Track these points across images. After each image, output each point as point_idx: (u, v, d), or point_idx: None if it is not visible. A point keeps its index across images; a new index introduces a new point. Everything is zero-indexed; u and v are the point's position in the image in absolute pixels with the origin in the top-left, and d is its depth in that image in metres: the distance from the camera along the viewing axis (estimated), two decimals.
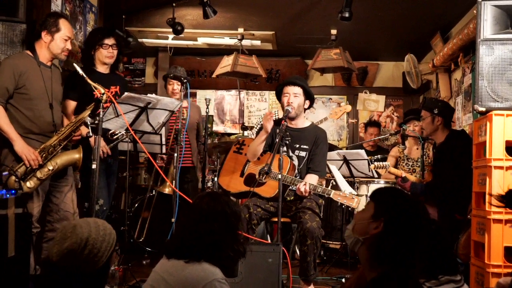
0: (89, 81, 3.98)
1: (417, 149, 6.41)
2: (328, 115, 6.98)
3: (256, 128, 7.79)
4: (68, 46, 4.24)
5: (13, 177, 3.80)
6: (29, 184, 3.93)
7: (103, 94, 3.96)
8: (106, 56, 4.77)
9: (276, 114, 7.09)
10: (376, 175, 6.00)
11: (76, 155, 4.18)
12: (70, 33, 4.24)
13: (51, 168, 4.03)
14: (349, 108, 7.39)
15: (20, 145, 3.93)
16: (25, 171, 3.92)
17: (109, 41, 4.78)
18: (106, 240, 2.44)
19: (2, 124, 3.94)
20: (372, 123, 8.26)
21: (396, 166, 6.39)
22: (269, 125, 4.63)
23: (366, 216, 2.21)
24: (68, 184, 4.34)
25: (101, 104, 3.96)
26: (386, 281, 2.05)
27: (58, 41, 4.19)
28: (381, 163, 5.55)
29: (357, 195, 4.58)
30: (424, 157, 6.01)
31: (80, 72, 3.99)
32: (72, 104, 4.66)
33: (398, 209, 2.14)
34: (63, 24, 4.21)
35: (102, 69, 4.82)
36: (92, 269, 2.39)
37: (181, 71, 5.70)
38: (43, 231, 4.21)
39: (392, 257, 2.08)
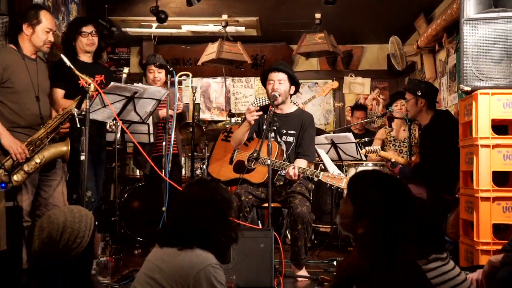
0: (76, 71, 3.96)
1: (404, 130, 6.44)
2: (316, 93, 6.99)
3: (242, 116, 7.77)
4: (50, 38, 4.19)
5: (1, 170, 3.79)
6: (16, 177, 3.91)
7: (89, 84, 3.94)
8: (86, 44, 4.71)
9: (263, 100, 7.11)
10: (364, 158, 6.03)
11: (63, 147, 4.16)
12: (51, 25, 4.19)
13: (38, 161, 4.01)
14: (335, 84, 7.41)
15: (6, 139, 3.91)
16: (12, 164, 3.90)
17: (87, 28, 4.72)
18: (84, 221, 2.46)
19: None
20: (358, 106, 8.30)
21: (383, 147, 6.42)
22: (252, 119, 4.63)
23: (348, 214, 2.22)
24: (57, 178, 4.31)
25: (88, 94, 3.94)
26: (383, 261, 2.07)
27: (39, 34, 4.15)
28: (372, 147, 5.58)
29: (346, 176, 4.62)
30: (411, 138, 6.05)
31: (68, 63, 3.97)
32: (59, 92, 4.60)
33: (376, 205, 2.14)
34: (44, 16, 4.16)
35: (85, 58, 4.78)
36: (76, 253, 2.41)
37: (161, 58, 5.72)
38: (34, 226, 4.19)
39: (383, 247, 2.10)
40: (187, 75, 7.30)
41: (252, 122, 4.65)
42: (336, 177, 4.45)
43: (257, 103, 7.32)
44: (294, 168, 4.51)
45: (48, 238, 2.37)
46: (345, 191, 5.67)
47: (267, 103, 4.86)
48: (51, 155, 4.11)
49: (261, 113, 4.63)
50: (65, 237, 2.38)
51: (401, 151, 6.38)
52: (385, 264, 2.08)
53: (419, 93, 5.02)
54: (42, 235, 2.39)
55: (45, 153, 4.06)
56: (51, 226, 2.39)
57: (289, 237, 5.42)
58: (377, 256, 2.10)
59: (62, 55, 4.08)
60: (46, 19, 4.16)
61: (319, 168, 5.87)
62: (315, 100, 8.14)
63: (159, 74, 5.56)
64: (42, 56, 4.53)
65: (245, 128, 4.74)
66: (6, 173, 3.72)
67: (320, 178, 4.48)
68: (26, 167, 3.96)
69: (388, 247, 2.10)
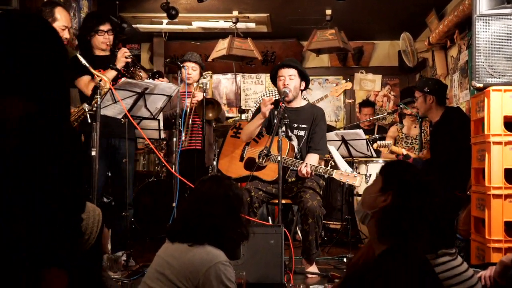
0: (92, 70, 3.96)
1: (415, 127, 6.41)
2: (328, 93, 6.98)
3: (251, 111, 7.74)
4: (66, 35, 4.16)
5: None
6: None
7: (100, 80, 3.94)
8: (102, 42, 4.70)
9: (274, 95, 7.09)
10: (375, 154, 6.01)
11: None
12: (67, 22, 4.16)
13: None
14: (349, 85, 7.37)
15: None
16: None
17: (105, 27, 4.70)
18: (91, 217, 2.45)
19: None
20: (365, 103, 8.20)
21: (394, 145, 6.40)
22: (267, 111, 4.63)
23: (374, 190, 2.23)
24: None
25: (99, 91, 3.94)
26: (394, 254, 2.07)
27: None
28: (383, 142, 5.57)
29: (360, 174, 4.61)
30: (423, 134, 6.02)
31: (83, 61, 3.96)
32: (85, 78, 4.54)
33: (406, 181, 2.16)
34: (60, 12, 4.13)
35: (101, 52, 4.78)
36: (84, 249, 2.40)
37: (198, 57, 5.84)
38: None
39: (400, 230, 2.10)
40: (211, 76, 7.32)
41: (267, 114, 4.64)
42: (349, 175, 4.44)
43: (267, 95, 7.31)
44: (306, 166, 4.50)
45: None
46: (358, 189, 5.67)
47: (277, 98, 4.86)
48: None
49: (273, 102, 4.63)
50: None
51: (413, 148, 6.35)
52: (398, 251, 2.08)
53: (427, 90, 5.00)
54: None
55: None
56: None
57: (299, 233, 5.40)
58: (393, 233, 2.10)
59: (78, 54, 4.05)
60: (62, 16, 4.12)
61: (330, 165, 5.85)
62: None
63: (194, 72, 5.62)
64: None
65: (259, 121, 4.73)
66: None
67: (333, 176, 4.47)
68: None
69: (404, 228, 2.10)
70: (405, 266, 2.04)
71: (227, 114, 9.34)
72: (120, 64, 4.43)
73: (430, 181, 2.21)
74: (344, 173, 4.47)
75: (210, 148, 5.86)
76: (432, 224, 2.21)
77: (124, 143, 4.66)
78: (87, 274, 2.41)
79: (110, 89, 4.06)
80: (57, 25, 4.10)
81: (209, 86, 5.72)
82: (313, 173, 4.56)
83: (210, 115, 5.37)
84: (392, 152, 5.66)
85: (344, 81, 8.11)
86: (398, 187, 2.14)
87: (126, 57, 4.48)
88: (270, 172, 4.70)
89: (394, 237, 2.11)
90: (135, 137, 5.04)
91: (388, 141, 5.69)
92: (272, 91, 7.32)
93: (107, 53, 4.79)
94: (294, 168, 4.65)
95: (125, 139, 4.54)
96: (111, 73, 4.43)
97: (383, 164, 2.42)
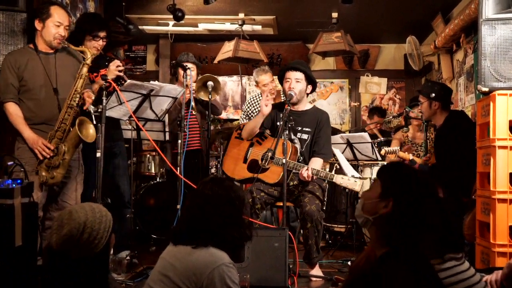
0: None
1: (420, 131, 6.39)
2: (315, 97, 6.96)
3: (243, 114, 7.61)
4: (61, 32, 4.09)
5: (43, 171, 3.84)
6: (55, 173, 3.92)
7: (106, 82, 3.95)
8: (94, 46, 4.61)
9: (257, 98, 7.09)
10: (380, 158, 6.00)
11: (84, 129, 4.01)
12: (61, 18, 4.11)
13: (63, 151, 3.96)
14: (336, 87, 7.35)
15: (27, 137, 3.93)
16: (45, 162, 3.91)
17: (102, 33, 4.67)
18: (104, 222, 2.46)
19: (12, 121, 3.96)
20: (378, 110, 8.15)
21: (400, 149, 6.38)
22: (267, 108, 4.67)
23: (373, 195, 2.21)
24: (71, 175, 4.22)
25: (104, 92, 3.95)
26: (395, 257, 2.06)
27: (50, 28, 4.06)
28: (391, 148, 5.58)
29: (361, 178, 4.59)
30: (428, 140, 6.01)
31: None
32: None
33: (406, 187, 2.14)
34: (54, 10, 4.10)
35: None
36: (93, 253, 2.41)
37: (193, 57, 5.85)
38: (45, 219, 4.15)
39: (402, 235, 2.09)
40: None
41: (265, 112, 4.68)
42: (350, 180, 4.44)
43: (251, 101, 7.30)
44: (307, 169, 4.50)
45: (67, 236, 2.37)
46: (360, 194, 5.66)
47: (282, 100, 4.86)
48: (72, 140, 3.98)
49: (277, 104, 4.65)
50: (84, 236, 2.38)
51: (418, 155, 6.32)
52: (398, 253, 2.07)
53: (433, 96, 4.99)
54: (61, 231, 2.38)
55: (66, 143, 3.97)
56: (72, 223, 2.38)
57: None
58: (394, 239, 2.10)
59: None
60: (56, 13, 4.09)
61: (334, 168, 5.84)
62: (331, 99, 8.12)
63: (192, 72, 5.61)
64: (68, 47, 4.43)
65: (258, 119, 4.81)
66: (22, 169, 3.68)
67: (334, 180, 4.47)
68: (55, 162, 3.94)
69: (406, 234, 2.09)
70: (405, 269, 2.03)
71: (232, 116, 9.36)
72: (110, 75, 4.37)
73: (429, 183, 2.20)
74: (344, 178, 4.47)
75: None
76: (438, 228, 2.21)
77: (117, 144, 4.83)
78: (94, 277, 2.42)
79: (115, 90, 4.06)
80: (51, 21, 4.07)
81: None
82: (314, 177, 4.56)
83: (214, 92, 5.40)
84: (399, 158, 5.65)
85: (347, 86, 8.09)
86: (398, 195, 2.13)
87: (119, 71, 4.43)
88: (272, 175, 4.69)
89: (395, 241, 2.10)
90: (123, 137, 5.19)
91: (395, 147, 5.68)
92: (257, 96, 7.24)
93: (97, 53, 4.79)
94: (297, 171, 4.64)
95: (118, 140, 4.61)
96: (99, 83, 4.39)
97: (381, 167, 2.40)
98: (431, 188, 2.20)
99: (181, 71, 5.30)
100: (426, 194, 2.15)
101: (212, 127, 6.06)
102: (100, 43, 4.68)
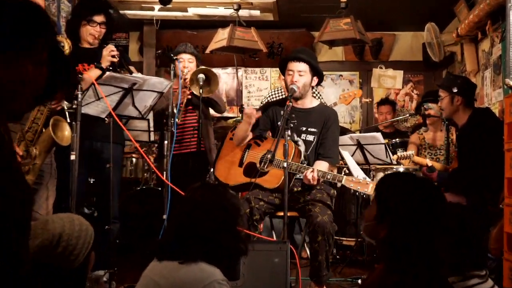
0: None
1: (441, 130, 6.40)
2: (337, 101, 6.97)
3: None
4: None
5: None
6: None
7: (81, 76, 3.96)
8: (90, 34, 4.72)
9: (279, 92, 7.10)
10: (394, 161, 5.99)
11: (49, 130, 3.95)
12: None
13: (35, 152, 3.95)
14: (360, 92, 7.34)
15: None
16: None
17: (98, 18, 4.73)
18: (83, 237, 2.46)
19: None
20: (384, 100, 8.15)
21: (417, 154, 6.38)
22: (250, 111, 4.77)
23: (371, 217, 2.22)
24: (42, 182, 4.23)
25: (80, 86, 3.95)
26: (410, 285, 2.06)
27: None
28: (404, 153, 5.57)
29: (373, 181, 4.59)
30: (449, 140, 6.01)
31: None
32: None
33: (401, 212, 2.13)
34: None
35: (88, 45, 4.80)
36: (69, 268, 2.41)
37: (192, 47, 5.86)
38: None
39: (409, 257, 2.09)
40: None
41: (251, 122, 4.72)
42: (361, 182, 4.42)
43: (272, 96, 7.30)
44: (312, 171, 4.49)
45: (39, 247, 2.37)
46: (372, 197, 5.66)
47: (284, 97, 4.85)
48: (44, 144, 3.96)
49: (259, 114, 4.67)
50: (59, 250, 2.38)
51: (437, 159, 6.31)
52: (409, 277, 2.07)
53: (455, 90, 4.98)
54: (34, 242, 2.39)
55: (37, 146, 3.98)
56: (44, 235, 2.38)
57: (307, 250, 5.39)
58: (398, 263, 2.09)
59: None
60: None
61: (343, 173, 5.84)
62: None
63: (190, 64, 5.62)
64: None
65: (244, 126, 4.82)
66: None
67: (343, 183, 4.45)
68: (25, 167, 3.92)
69: (410, 255, 2.09)
70: None
71: (226, 114, 9.35)
72: (105, 63, 4.42)
73: (434, 195, 2.19)
74: (355, 179, 4.45)
75: (210, 153, 5.79)
76: (455, 244, 2.21)
77: (108, 147, 4.62)
78: None
79: (92, 84, 4.06)
80: None
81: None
82: (320, 180, 4.55)
83: (208, 88, 5.33)
84: (415, 163, 5.64)
85: (357, 80, 8.09)
86: (392, 220, 2.13)
87: (112, 56, 4.47)
88: (272, 179, 4.68)
89: (405, 264, 2.09)
90: (122, 140, 5.02)
91: (410, 151, 5.68)
92: (277, 90, 7.30)
93: (95, 45, 4.81)
94: (300, 177, 4.63)
95: (109, 142, 4.53)
96: (95, 72, 4.42)
97: (378, 182, 2.38)
98: (437, 202, 2.19)
99: (177, 64, 5.26)
100: (429, 209, 2.14)
101: None
102: (97, 29, 4.74)
